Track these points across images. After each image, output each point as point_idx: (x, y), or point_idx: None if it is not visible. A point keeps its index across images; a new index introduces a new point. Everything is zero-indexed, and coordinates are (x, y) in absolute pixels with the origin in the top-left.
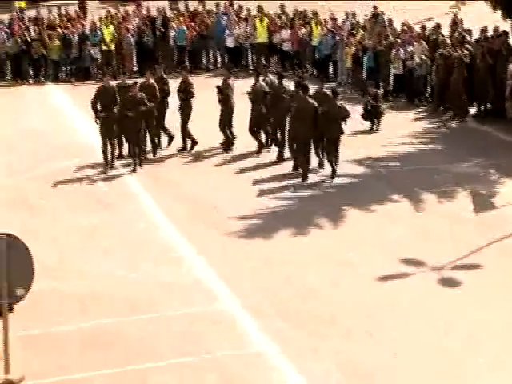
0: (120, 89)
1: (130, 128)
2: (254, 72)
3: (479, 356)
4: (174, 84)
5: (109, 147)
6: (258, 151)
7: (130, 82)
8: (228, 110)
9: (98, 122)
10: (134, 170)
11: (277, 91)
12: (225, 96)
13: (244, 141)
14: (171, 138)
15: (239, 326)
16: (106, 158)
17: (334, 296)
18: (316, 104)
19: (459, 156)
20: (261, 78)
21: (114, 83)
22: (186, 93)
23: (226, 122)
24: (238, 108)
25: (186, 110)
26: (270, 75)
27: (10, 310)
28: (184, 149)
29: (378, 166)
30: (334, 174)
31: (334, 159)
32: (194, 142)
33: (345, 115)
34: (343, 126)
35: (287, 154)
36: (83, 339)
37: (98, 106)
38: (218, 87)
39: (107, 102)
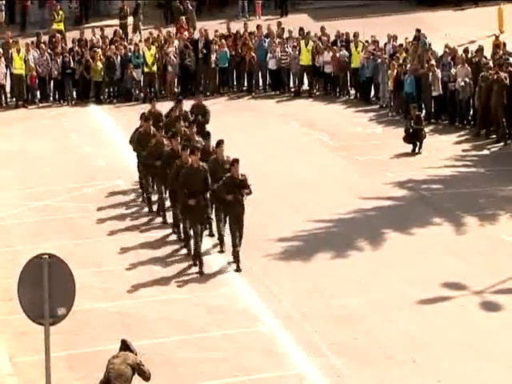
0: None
1: (233, 215)
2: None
3: None
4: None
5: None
6: None
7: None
8: None
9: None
10: (239, 269)
11: None
12: None
13: None
14: None
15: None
16: (199, 255)
17: (376, 321)
18: None
19: (501, 179)
20: None
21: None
22: None
23: None
24: None
25: None
26: None
27: None
28: None
29: (419, 188)
30: None
31: None
32: None
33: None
34: None
35: None
36: None
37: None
38: None
39: (199, 187)
